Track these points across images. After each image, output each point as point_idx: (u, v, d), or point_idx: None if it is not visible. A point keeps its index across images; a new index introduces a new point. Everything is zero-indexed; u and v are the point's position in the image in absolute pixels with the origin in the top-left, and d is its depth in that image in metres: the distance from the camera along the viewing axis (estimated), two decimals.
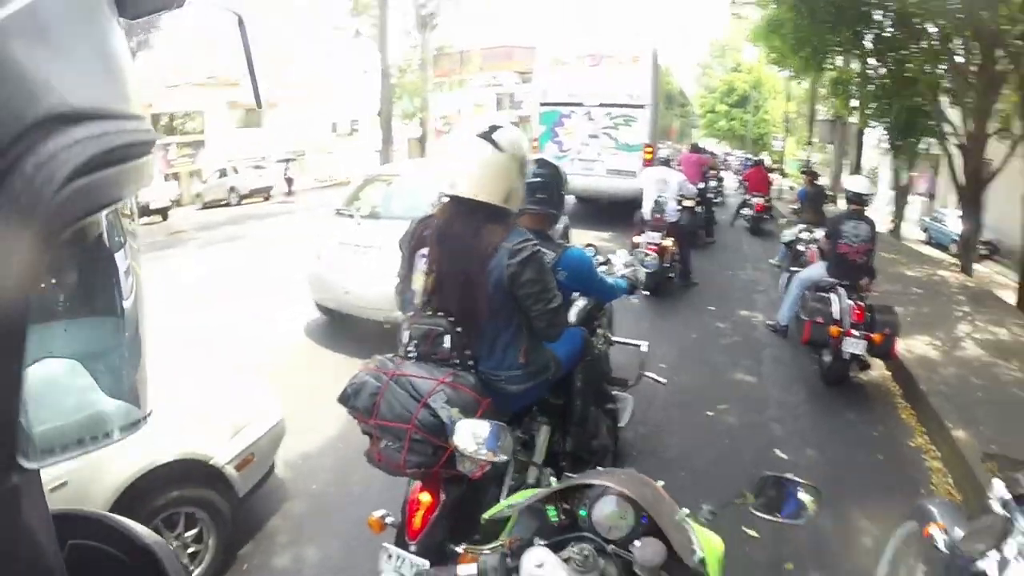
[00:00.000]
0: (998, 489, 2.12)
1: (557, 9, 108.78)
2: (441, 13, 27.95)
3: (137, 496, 2.99)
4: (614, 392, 4.31)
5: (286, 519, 4.09)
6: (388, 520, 2.65)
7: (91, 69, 0.45)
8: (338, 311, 7.05)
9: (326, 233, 7.36)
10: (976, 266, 15.80)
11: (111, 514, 0.67)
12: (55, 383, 0.45)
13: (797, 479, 1.89)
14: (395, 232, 6.23)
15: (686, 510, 1.69)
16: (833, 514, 4.28)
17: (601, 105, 14.20)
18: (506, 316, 2.74)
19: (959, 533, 2.26)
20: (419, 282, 2.78)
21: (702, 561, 1.57)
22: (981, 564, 2.03)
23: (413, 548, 2.51)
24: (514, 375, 2.81)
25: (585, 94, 14.26)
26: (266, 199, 30.02)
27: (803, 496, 1.85)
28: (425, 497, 2.57)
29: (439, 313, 2.70)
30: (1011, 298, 11.85)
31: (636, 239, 8.71)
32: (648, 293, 7.69)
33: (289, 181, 32.41)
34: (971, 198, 14.09)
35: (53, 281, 0.44)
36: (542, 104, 14.80)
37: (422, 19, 27.49)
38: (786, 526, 2.08)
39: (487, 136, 2.64)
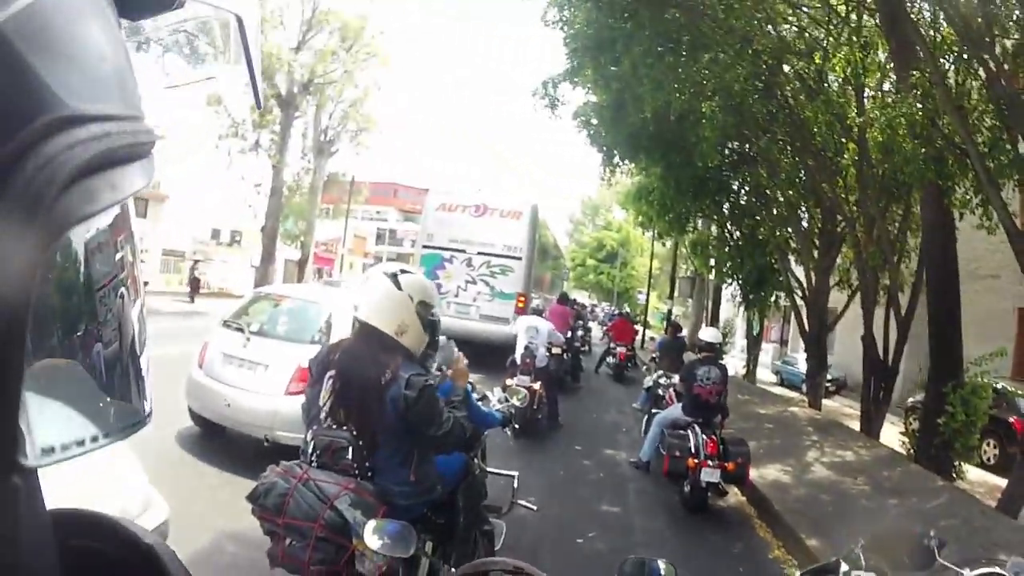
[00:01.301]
0: None
1: (445, 156, 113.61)
2: (339, 142, 28.40)
3: None
4: (489, 518, 4.54)
5: None
6: None
7: (91, 70, 0.46)
8: (216, 423, 6.82)
9: (211, 343, 7.14)
10: (825, 401, 17.20)
11: (111, 515, 0.68)
12: (55, 382, 0.45)
13: (653, 558, 2.19)
14: (282, 352, 6.41)
15: None
16: None
17: (481, 253, 14.84)
18: (400, 436, 2.98)
19: None
20: (324, 399, 3.02)
21: None
22: None
23: None
24: (405, 490, 3.02)
25: (467, 241, 14.89)
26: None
27: (662, 569, 2.15)
28: None
29: (343, 427, 2.94)
30: (856, 426, 13.04)
31: (508, 382, 8.97)
32: (518, 427, 7.99)
33: (194, 283, 29.22)
34: (815, 342, 15.57)
35: (54, 281, 0.44)
36: (425, 247, 15.31)
37: (320, 144, 27.81)
38: None
39: (391, 274, 3.01)
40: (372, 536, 2.29)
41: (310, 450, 2.94)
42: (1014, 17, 9.17)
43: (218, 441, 6.90)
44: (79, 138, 0.42)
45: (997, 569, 2.48)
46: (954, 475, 10.01)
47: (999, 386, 11.51)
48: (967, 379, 10.17)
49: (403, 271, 3.08)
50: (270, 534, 2.78)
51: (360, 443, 2.90)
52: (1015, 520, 7.90)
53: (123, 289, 0.52)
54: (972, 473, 10.96)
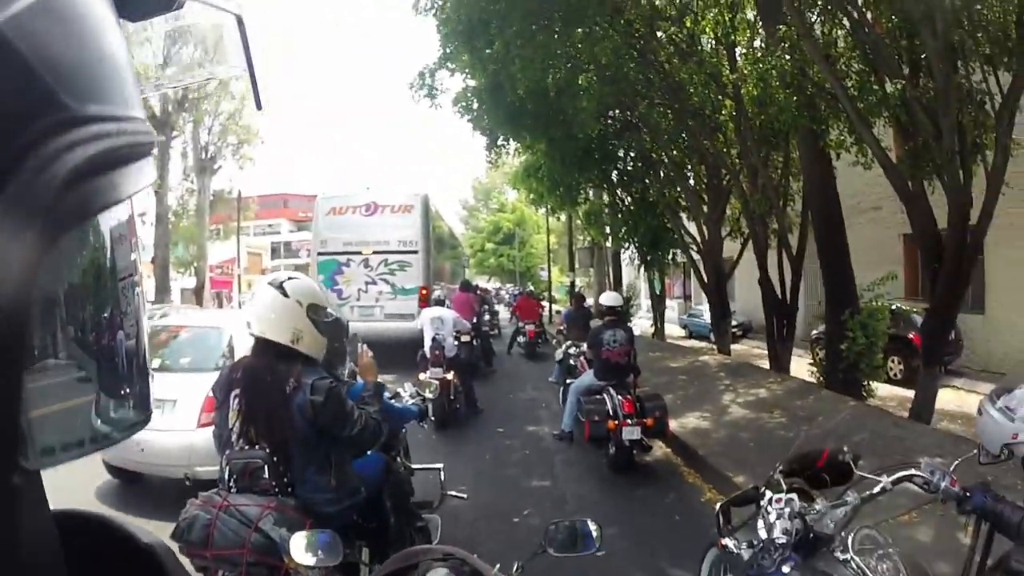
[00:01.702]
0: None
1: (331, 157, 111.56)
2: (222, 158, 27.75)
3: None
4: (421, 514, 4.52)
5: None
6: None
7: (92, 71, 0.46)
8: (133, 471, 6.48)
9: None
10: (734, 346, 17.88)
11: (110, 515, 0.68)
12: (55, 384, 0.45)
13: (579, 519, 2.23)
14: (187, 384, 6.18)
15: (498, 565, 1.94)
16: (652, 574, 4.81)
17: (377, 252, 14.73)
18: (314, 444, 2.94)
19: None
20: (233, 420, 2.95)
21: None
22: (754, 541, 2.56)
23: None
24: (328, 498, 2.98)
25: (362, 242, 14.75)
26: None
27: (590, 530, 2.18)
28: None
29: (256, 446, 2.88)
30: (766, 364, 13.66)
31: (420, 376, 8.73)
32: (435, 419, 8.03)
33: None
34: (716, 291, 16.19)
35: (54, 282, 0.43)
36: (320, 253, 15.10)
37: (202, 163, 27.00)
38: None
39: (277, 284, 2.97)
40: (300, 551, 2.26)
41: (227, 475, 2.87)
42: None
43: (138, 489, 6.59)
44: (80, 138, 0.43)
45: (913, 471, 2.62)
46: (864, 394, 10.54)
47: (894, 307, 12.17)
48: (863, 305, 10.72)
49: (289, 278, 3.04)
50: (202, 570, 2.72)
51: (275, 459, 2.86)
52: (928, 425, 8.41)
53: (128, 291, 0.53)
54: (882, 390, 11.57)
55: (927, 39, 8.10)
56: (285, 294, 2.94)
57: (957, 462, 2.65)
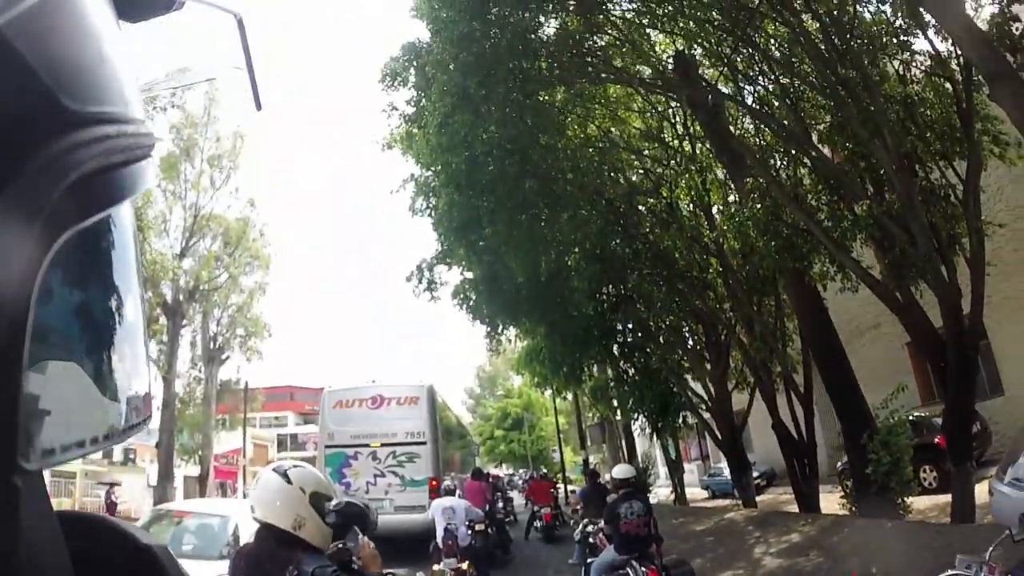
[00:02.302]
0: None
1: (336, 352, 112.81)
2: (230, 349, 28.17)
3: None
4: None
5: None
6: None
7: (92, 72, 0.46)
8: None
9: None
10: (760, 497, 17.43)
11: (107, 516, 0.66)
12: (55, 384, 0.44)
13: None
14: (190, 573, 6.02)
15: None
16: None
17: (385, 444, 14.64)
18: None
19: None
20: None
21: None
22: None
23: None
24: None
25: (370, 435, 14.71)
26: None
27: None
28: None
29: None
30: (795, 508, 13.19)
31: (434, 568, 8.69)
32: None
33: (111, 508, 24.55)
34: (732, 446, 15.87)
35: (53, 282, 0.43)
36: (328, 446, 15.03)
37: (210, 353, 27.33)
38: None
39: (281, 471, 2.96)
40: None
41: None
42: (821, 102, 10.42)
43: None
44: (80, 140, 0.43)
45: (949, 572, 2.57)
46: (901, 512, 10.13)
47: (912, 417, 11.99)
48: (879, 424, 10.55)
49: (294, 466, 3.04)
50: None
51: None
52: (973, 523, 8.03)
53: (128, 292, 0.53)
54: (920, 503, 11.15)
55: (881, 154, 8.59)
56: (288, 481, 2.92)
57: (991, 548, 2.61)
